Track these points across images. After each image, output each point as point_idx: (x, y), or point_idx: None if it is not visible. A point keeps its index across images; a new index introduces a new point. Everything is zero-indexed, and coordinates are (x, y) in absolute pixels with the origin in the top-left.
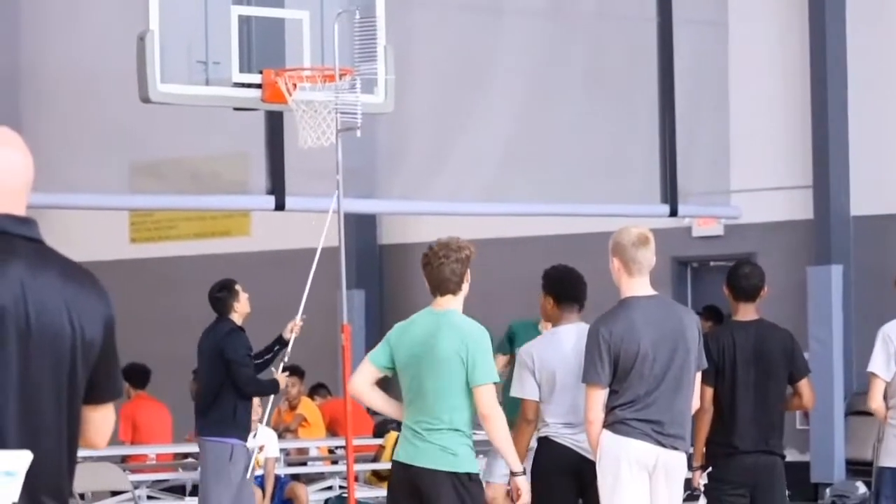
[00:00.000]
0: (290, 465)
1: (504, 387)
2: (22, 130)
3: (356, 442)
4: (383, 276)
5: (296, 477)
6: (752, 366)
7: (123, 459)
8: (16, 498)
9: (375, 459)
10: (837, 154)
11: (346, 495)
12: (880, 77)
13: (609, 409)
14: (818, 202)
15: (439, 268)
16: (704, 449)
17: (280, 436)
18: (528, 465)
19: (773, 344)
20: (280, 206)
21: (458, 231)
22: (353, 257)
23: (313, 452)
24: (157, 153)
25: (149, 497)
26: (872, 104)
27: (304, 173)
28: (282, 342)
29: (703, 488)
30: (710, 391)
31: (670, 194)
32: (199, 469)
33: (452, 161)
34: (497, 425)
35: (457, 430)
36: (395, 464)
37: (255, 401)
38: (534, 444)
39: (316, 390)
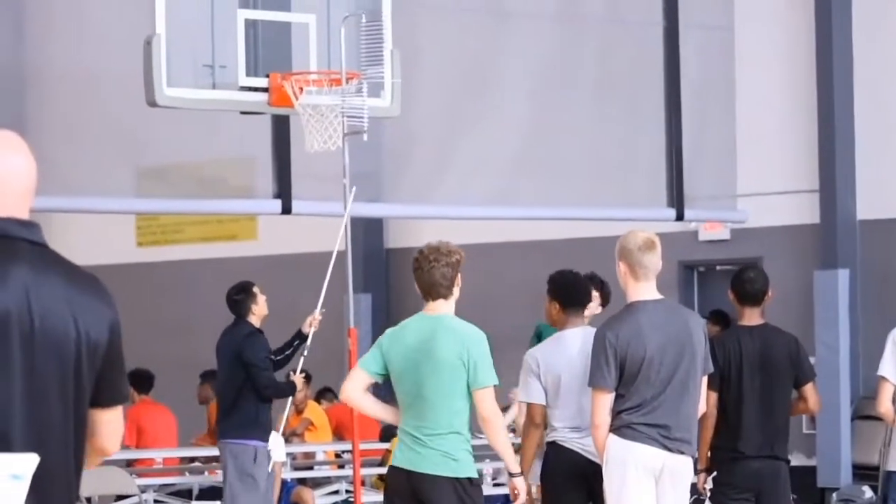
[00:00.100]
0: (296, 469)
1: None
2: (27, 134)
3: (363, 446)
4: (390, 279)
5: (302, 481)
6: (757, 371)
7: (129, 463)
8: (22, 501)
9: (382, 464)
10: (844, 158)
11: (352, 499)
12: (887, 81)
13: (615, 413)
14: (825, 206)
15: (430, 272)
16: (709, 453)
17: (286, 440)
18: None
19: (779, 349)
20: (287, 210)
21: (464, 235)
22: (360, 261)
23: (320, 457)
24: (164, 157)
25: (155, 501)
26: (879, 108)
27: (310, 177)
28: (301, 337)
29: (708, 493)
30: (713, 396)
31: (677, 198)
32: (221, 473)
33: (459, 165)
34: (497, 428)
35: (458, 433)
36: (394, 469)
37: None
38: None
39: (322, 394)
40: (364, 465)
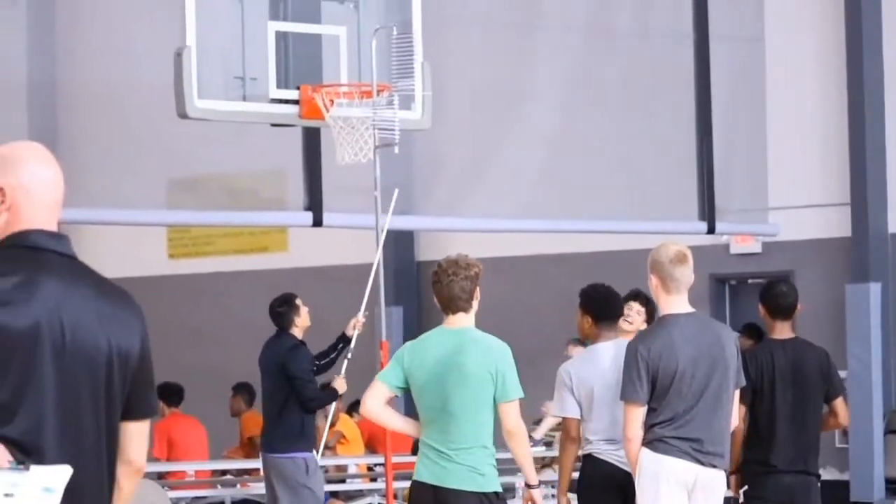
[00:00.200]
0: (328, 482)
1: None
2: (57, 146)
3: (395, 459)
4: (421, 292)
5: (335, 494)
6: (790, 385)
7: (160, 476)
8: None
9: None
10: (875, 171)
11: None
12: None
13: (648, 426)
14: (856, 219)
15: (449, 286)
16: (741, 467)
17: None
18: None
19: (810, 362)
20: (318, 222)
21: (494, 247)
22: (391, 274)
23: (352, 470)
24: (195, 169)
25: None
26: None
27: (341, 190)
28: (345, 340)
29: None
30: (743, 409)
31: (708, 211)
32: (265, 487)
33: (489, 177)
34: (522, 441)
35: (484, 447)
36: (418, 484)
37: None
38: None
39: (354, 407)
40: (396, 478)
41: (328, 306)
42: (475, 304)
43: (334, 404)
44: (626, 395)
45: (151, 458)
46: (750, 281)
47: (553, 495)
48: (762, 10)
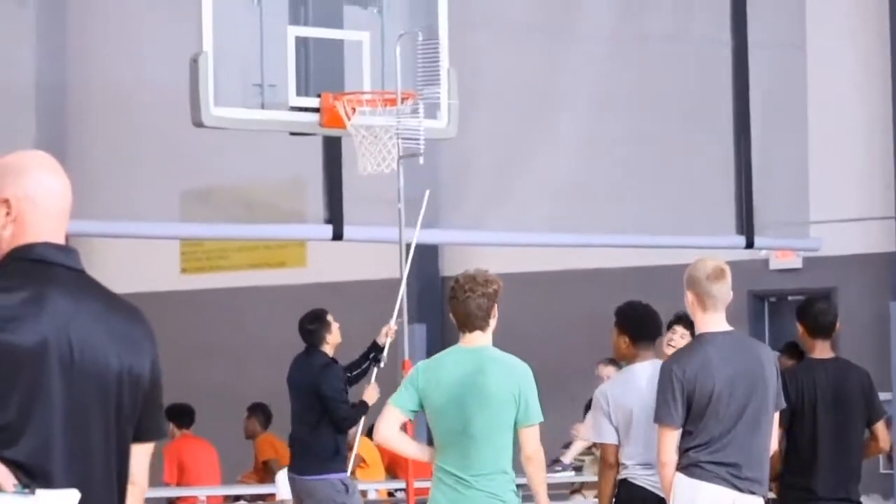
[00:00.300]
0: None
1: None
2: (67, 155)
3: (417, 485)
4: (445, 310)
5: None
6: (831, 407)
7: (171, 502)
8: None
9: None
10: None
11: None
12: None
13: (682, 450)
14: None
15: (465, 302)
16: (779, 492)
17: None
18: None
19: (852, 384)
20: (338, 235)
21: (523, 262)
22: (414, 290)
23: (372, 495)
24: (210, 180)
25: None
26: None
27: (363, 202)
28: (376, 349)
29: None
30: (780, 432)
31: (746, 225)
32: None
33: (517, 189)
34: (540, 467)
35: (504, 472)
36: None
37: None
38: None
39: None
40: None
41: (348, 323)
42: (493, 322)
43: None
44: (660, 417)
45: (161, 483)
46: (790, 298)
47: None
48: (803, 16)
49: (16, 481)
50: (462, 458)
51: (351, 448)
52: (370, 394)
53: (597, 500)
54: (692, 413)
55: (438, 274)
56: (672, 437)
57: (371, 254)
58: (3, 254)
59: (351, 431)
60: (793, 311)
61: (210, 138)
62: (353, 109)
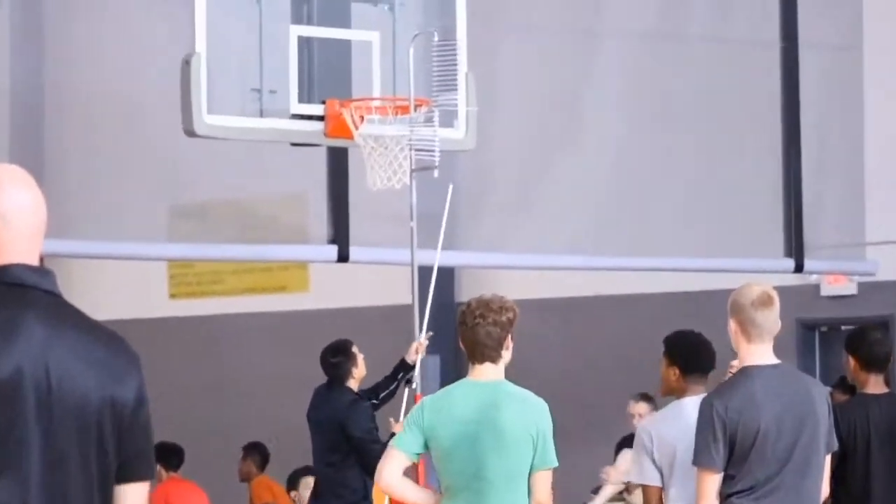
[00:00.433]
0: None
1: None
2: (44, 167)
3: None
4: None
5: None
6: (886, 445)
7: None
8: None
9: None
10: None
11: None
12: None
13: (724, 496)
14: None
15: (473, 329)
16: None
17: None
18: None
19: None
20: (343, 257)
21: (548, 287)
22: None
23: None
24: (202, 195)
25: None
26: None
27: (371, 220)
28: (405, 367)
29: None
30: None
31: (795, 247)
32: None
33: (543, 206)
34: None
35: None
36: None
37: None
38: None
39: None
40: None
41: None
42: (507, 354)
43: None
44: (700, 459)
45: None
46: (843, 327)
47: None
48: (860, 14)
49: None
50: None
51: None
52: (398, 429)
53: None
54: (735, 455)
55: (453, 300)
56: (713, 482)
57: (380, 277)
58: None
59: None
60: None
61: (202, 149)
62: (362, 117)
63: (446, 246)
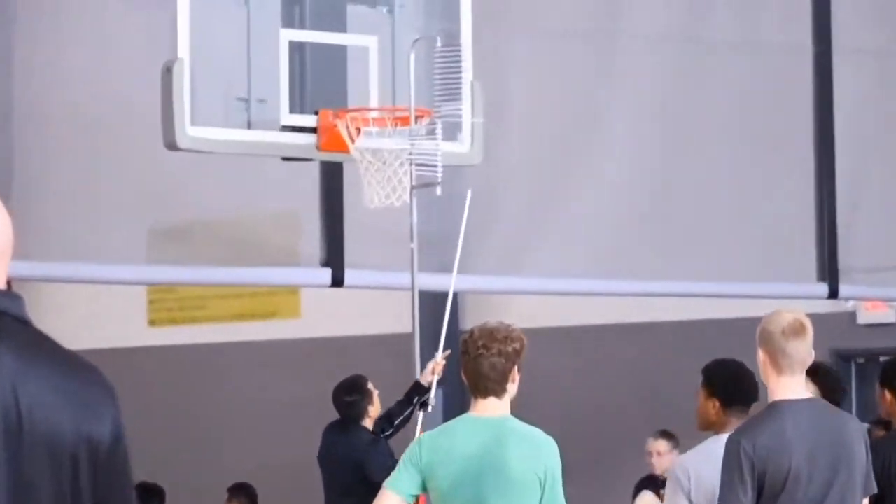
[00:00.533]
0: None
1: None
2: (13, 184)
3: None
4: None
5: None
6: None
7: None
8: None
9: None
10: None
11: None
12: None
13: None
14: None
15: (476, 360)
16: None
17: None
18: None
19: None
20: (338, 281)
21: (563, 315)
22: (430, 347)
23: None
24: (184, 213)
25: None
26: None
27: (368, 241)
28: (420, 390)
29: None
30: None
31: (829, 271)
32: None
33: (554, 226)
34: None
35: None
36: None
37: None
38: None
39: None
40: None
41: None
42: (512, 388)
43: None
44: (726, 501)
45: None
46: (882, 358)
47: None
48: None
49: None
50: None
51: None
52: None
53: None
54: (764, 497)
55: (458, 329)
56: None
57: (377, 303)
58: None
59: None
60: None
61: (185, 164)
62: (358, 130)
63: (447, 268)
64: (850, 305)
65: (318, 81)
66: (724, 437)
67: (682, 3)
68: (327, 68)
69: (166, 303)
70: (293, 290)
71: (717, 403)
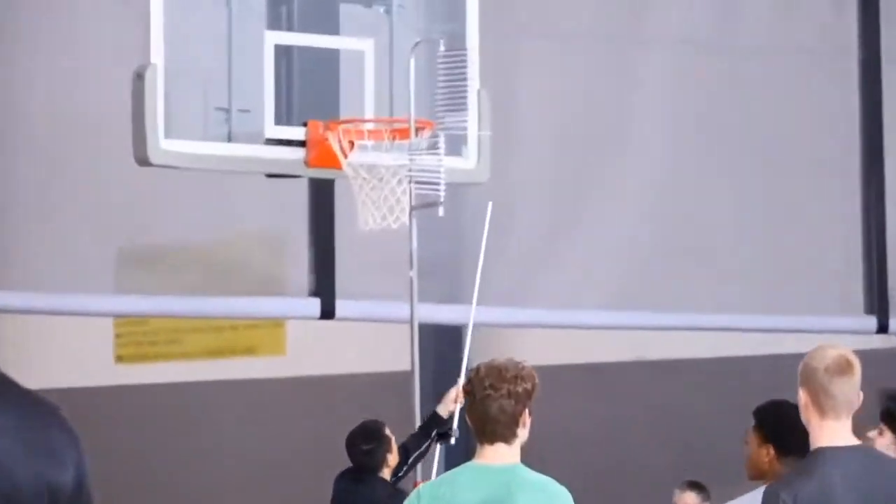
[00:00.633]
0: None
1: None
2: None
3: None
4: None
5: None
6: None
7: None
8: None
9: None
10: None
11: None
12: None
13: None
14: None
15: (483, 402)
16: None
17: None
18: None
19: None
20: (328, 313)
21: (578, 351)
22: (430, 385)
23: None
24: (156, 237)
25: None
26: None
27: (362, 267)
28: (438, 422)
29: None
30: None
31: (878, 302)
32: None
33: (570, 253)
34: None
35: None
36: None
37: None
38: None
39: None
40: None
41: (339, 430)
42: (523, 432)
43: None
44: None
45: None
46: None
47: None
48: None
49: None
50: None
51: None
52: None
53: None
54: None
55: (459, 365)
56: None
57: (372, 338)
58: None
59: None
60: None
61: (158, 181)
62: (352, 143)
63: (450, 299)
64: None
65: (308, 89)
66: None
67: (711, 3)
68: (317, 75)
69: (135, 337)
70: (278, 322)
71: (772, 450)
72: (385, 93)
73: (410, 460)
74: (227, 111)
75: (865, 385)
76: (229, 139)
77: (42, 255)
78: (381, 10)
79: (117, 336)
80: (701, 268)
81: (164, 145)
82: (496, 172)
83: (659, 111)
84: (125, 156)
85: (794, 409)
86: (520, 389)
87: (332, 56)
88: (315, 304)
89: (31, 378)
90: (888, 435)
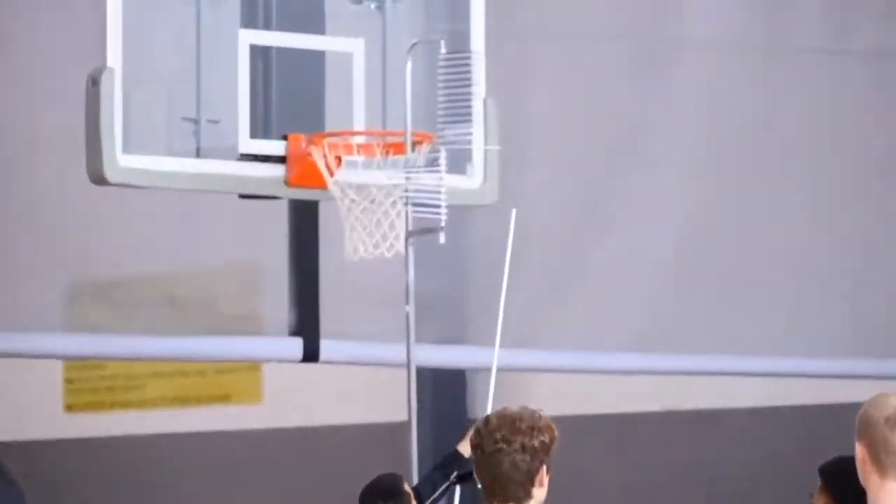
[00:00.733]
0: None
1: None
2: None
3: None
4: None
5: None
6: None
7: None
8: None
9: None
10: None
11: None
12: None
13: None
14: None
15: (494, 457)
16: None
17: None
18: None
19: None
20: (311, 354)
21: (597, 399)
22: (430, 437)
23: None
24: (112, 268)
25: None
26: None
27: (350, 302)
28: (459, 461)
29: None
30: None
31: None
32: None
33: (589, 286)
34: None
35: None
36: None
37: None
38: None
39: None
40: None
41: (324, 489)
42: (539, 492)
43: None
44: None
45: None
46: None
47: None
48: None
49: None
50: None
51: None
52: None
53: None
54: None
55: (466, 413)
56: None
57: (362, 384)
58: None
59: None
60: None
61: (115, 202)
62: (339, 159)
63: (452, 339)
64: None
65: (288, 97)
66: None
67: (753, 6)
68: (299, 80)
69: (89, 382)
70: (253, 365)
71: None
72: (377, 101)
73: (433, 497)
74: (196, 122)
75: None
76: (198, 154)
77: None
78: (373, 5)
79: (67, 381)
80: (737, 304)
81: (122, 161)
82: (504, 192)
83: (688, 123)
84: (78, 173)
85: None
86: (536, 443)
87: (316, 58)
88: (296, 345)
89: None
90: None
